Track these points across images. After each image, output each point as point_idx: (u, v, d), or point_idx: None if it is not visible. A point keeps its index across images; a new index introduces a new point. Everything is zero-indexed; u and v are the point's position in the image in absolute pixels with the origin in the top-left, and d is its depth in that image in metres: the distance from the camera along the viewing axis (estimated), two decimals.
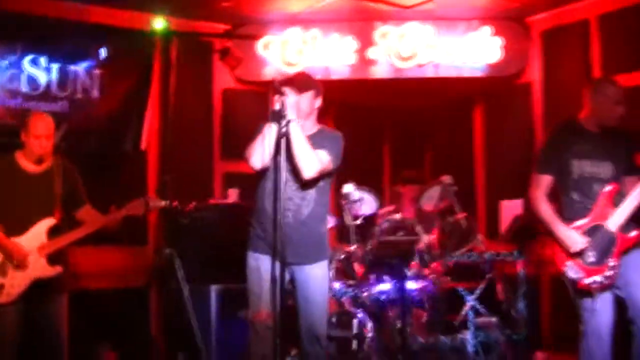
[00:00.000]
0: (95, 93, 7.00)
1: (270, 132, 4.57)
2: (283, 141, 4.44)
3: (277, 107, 4.47)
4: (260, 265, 4.79)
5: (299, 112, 4.65)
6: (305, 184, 4.75)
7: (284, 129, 4.43)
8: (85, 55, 6.99)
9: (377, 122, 9.07)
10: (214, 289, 6.66)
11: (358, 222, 6.29)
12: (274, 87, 4.52)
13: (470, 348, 6.38)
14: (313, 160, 4.65)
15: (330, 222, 6.06)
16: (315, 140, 4.74)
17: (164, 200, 5.74)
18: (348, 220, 6.26)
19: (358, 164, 8.21)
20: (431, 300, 6.51)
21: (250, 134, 7.69)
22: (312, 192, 4.82)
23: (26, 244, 5.20)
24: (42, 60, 6.78)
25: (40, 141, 5.26)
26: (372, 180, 7.91)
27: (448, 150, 8.87)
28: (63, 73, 6.86)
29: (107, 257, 6.68)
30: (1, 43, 6.56)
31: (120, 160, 7.10)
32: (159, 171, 7.37)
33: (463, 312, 6.48)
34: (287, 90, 4.54)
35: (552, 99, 7.69)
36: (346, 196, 6.21)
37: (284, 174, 4.44)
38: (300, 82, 4.77)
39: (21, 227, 5.21)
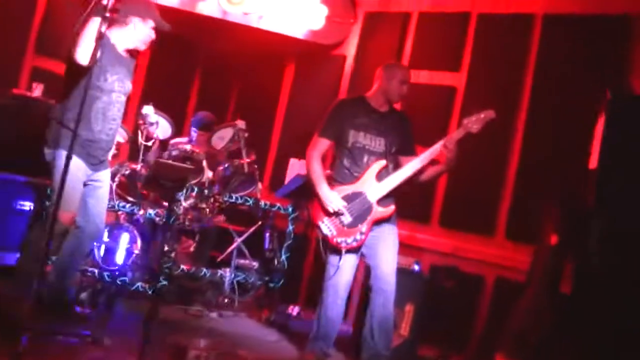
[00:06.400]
0: None
1: (95, 25, 4.43)
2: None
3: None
4: (76, 168, 4.84)
5: None
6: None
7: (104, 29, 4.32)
8: None
9: (193, 57, 9.10)
10: None
11: (149, 143, 6.40)
12: None
13: (227, 284, 6.66)
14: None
15: (122, 136, 6.20)
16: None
17: None
18: (141, 139, 6.35)
19: (165, 91, 8.27)
20: (202, 233, 6.81)
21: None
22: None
23: None
24: None
25: None
26: (176, 109, 7.98)
27: (254, 100, 8.97)
28: None
29: None
30: None
31: None
32: None
33: (228, 251, 6.75)
34: None
35: (360, 75, 7.95)
36: (144, 117, 6.28)
37: (113, 95, 4.84)
38: None
39: None
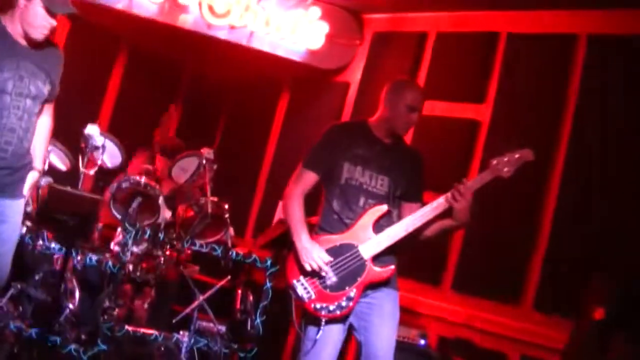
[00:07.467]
0: None
1: None
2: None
3: None
4: None
5: None
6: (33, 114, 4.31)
7: None
8: None
9: (174, 79, 8.75)
10: None
11: (91, 172, 5.68)
12: None
13: (183, 352, 5.88)
14: None
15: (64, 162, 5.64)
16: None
17: None
18: (82, 166, 5.63)
19: (140, 118, 7.97)
20: (159, 286, 6.11)
21: None
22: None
23: None
24: None
25: None
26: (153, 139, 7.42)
27: (242, 131, 8.59)
28: None
29: None
30: None
31: None
32: None
33: (186, 311, 5.99)
34: None
35: (366, 106, 7.20)
36: (87, 138, 5.55)
37: (7, 98, 4.12)
38: None
39: None
